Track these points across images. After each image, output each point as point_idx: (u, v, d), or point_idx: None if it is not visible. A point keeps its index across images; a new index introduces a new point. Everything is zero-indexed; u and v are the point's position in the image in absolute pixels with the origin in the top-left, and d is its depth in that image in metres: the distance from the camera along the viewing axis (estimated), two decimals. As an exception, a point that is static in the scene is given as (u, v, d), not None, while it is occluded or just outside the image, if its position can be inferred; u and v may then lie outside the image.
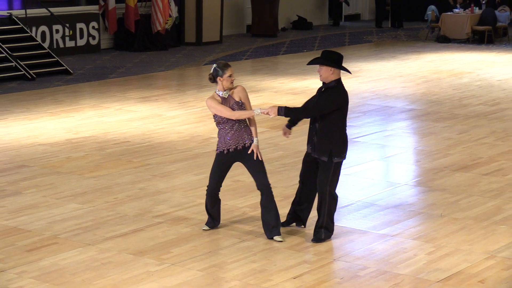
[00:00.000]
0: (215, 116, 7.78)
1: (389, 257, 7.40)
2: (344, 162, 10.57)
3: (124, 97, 14.78)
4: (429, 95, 14.99)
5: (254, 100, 14.58)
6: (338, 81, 7.81)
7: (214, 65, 7.67)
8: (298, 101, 14.43)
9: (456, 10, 23.33)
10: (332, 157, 7.69)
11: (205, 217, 8.28)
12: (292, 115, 7.81)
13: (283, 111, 7.62)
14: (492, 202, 8.94)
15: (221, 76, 7.63)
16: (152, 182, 9.61)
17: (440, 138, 11.82)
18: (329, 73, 7.79)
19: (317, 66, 7.95)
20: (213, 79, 7.67)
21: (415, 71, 17.80)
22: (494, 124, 12.73)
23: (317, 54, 20.62)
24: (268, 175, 9.85)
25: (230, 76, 7.65)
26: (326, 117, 7.65)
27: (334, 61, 7.80)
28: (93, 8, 20.73)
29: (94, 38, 20.41)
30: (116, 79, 16.81)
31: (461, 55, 20.63)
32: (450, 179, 9.74)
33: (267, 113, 7.61)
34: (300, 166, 10.25)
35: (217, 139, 7.89)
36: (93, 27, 20.37)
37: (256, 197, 9.03)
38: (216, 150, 7.88)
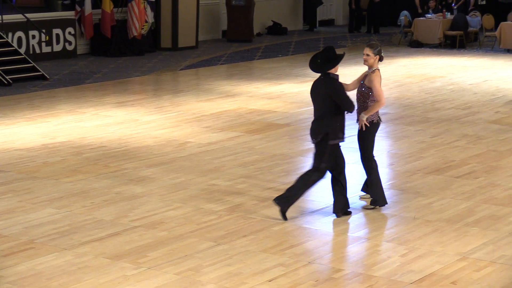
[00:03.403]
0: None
1: (363, 260, 7.50)
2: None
3: (100, 102, 14.81)
4: (402, 99, 15.14)
5: (230, 104, 14.67)
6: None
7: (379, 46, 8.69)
8: (273, 106, 14.53)
9: (428, 16, 23.53)
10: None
11: (180, 221, 8.36)
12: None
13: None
14: (464, 204, 9.07)
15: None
16: (128, 187, 9.66)
17: (413, 141, 11.96)
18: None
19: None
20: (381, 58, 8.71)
21: (388, 76, 17.94)
22: (466, 128, 12.89)
23: (293, 58, 20.84)
24: (244, 179, 9.97)
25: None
26: None
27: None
28: (69, 14, 20.73)
29: (70, 43, 20.41)
30: (93, 84, 16.83)
31: (434, 60, 20.83)
32: (423, 182, 9.87)
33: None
34: (275, 169, 10.37)
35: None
36: (70, 33, 20.36)
37: (231, 201, 9.12)
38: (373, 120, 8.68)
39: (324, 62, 8.53)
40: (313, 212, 8.82)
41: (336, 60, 8.48)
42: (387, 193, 9.43)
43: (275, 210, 8.67)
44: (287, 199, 8.45)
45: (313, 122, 8.60)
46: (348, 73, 18.39)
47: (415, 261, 7.39)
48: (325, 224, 8.43)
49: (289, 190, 8.51)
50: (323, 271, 7.18)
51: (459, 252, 7.62)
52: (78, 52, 20.68)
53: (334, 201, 8.59)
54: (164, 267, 7.23)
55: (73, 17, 20.61)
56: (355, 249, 7.74)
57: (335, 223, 8.46)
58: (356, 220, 8.59)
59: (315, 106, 8.67)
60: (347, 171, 8.72)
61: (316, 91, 8.60)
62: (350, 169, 10.55)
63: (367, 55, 8.75)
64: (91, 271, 7.14)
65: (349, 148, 11.58)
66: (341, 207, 8.58)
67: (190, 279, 6.97)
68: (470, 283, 6.92)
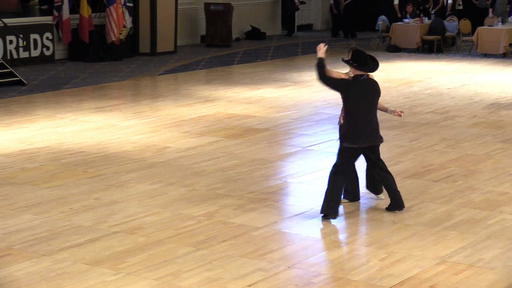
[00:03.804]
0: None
1: (342, 264, 7.52)
2: (297, 170, 10.75)
3: (78, 108, 14.76)
4: (380, 103, 15.18)
5: (209, 109, 14.67)
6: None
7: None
8: (252, 111, 14.55)
9: (406, 20, 23.65)
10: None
11: (159, 226, 8.35)
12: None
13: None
14: (443, 208, 9.11)
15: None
16: (107, 192, 9.63)
17: (392, 145, 12.00)
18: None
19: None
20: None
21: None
22: (444, 132, 12.96)
23: (271, 63, 20.88)
24: (223, 184, 9.97)
25: None
26: None
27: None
28: (47, 19, 20.65)
29: (48, 48, 20.33)
30: (71, 90, 16.77)
31: (412, 64, 20.93)
32: (402, 186, 9.89)
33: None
34: (254, 174, 10.38)
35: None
36: (47, 38, 20.28)
37: (211, 205, 9.12)
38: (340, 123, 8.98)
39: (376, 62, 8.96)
40: (292, 216, 8.83)
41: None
42: (365, 197, 9.46)
43: (254, 215, 8.69)
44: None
45: (371, 123, 8.68)
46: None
47: (394, 265, 7.42)
48: (304, 228, 8.45)
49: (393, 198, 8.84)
50: (303, 276, 7.19)
51: (438, 256, 7.65)
52: (56, 57, 20.60)
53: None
54: (143, 272, 7.21)
55: (51, 22, 20.53)
56: (334, 254, 7.76)
57: (314, 228, 8.47)
58: (335, 224, 8.61)
59: (368, 107, 8.70)
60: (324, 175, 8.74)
61: (372, 91, 8.74)
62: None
63: None
64: (70, 277, 7.11)
65: (330, 152, 11.62)
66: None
67: (169, 285, 6.96)
68: (449, 287, 6.95)
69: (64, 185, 9.92)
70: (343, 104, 8.79)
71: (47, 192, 9.63)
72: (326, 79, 8.60)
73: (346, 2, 26.61)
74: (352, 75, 8.78)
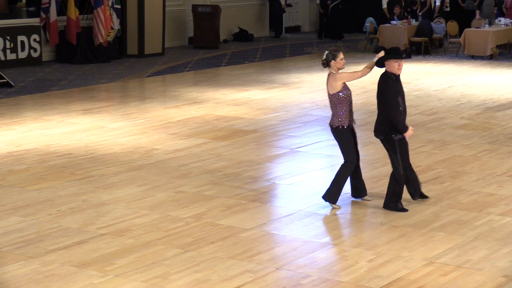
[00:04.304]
0: (334, 96, 8.95)
1: (331, 265, 7.53)
2: (286, 171, 10.76)
3: (66, 110, 14.73)
4: (368, 105, 15.21)
5: (197, 111, 14.66)
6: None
7: (327, 52, 8.98)
8: (240, 112, 14.55)
9: (394, 22, 23.71)
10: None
11: (148, 228, 8.34)
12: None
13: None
14: (431, 209, 9.14)
15: (335, 60, 8.91)
16: (95, 194, 9.62)
17: (380, 147, 11.94)
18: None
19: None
20: (327, 63, 8.97)
21: (354, 82, 17.95)
22: (432, 133, 12.99)
23: (259, 65, 20.90)
24: (211, 185, 9.98)
25: (342, 59, 9.00)
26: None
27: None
28: (34, 21, 20.58)
29: (35, 50, 20.27)
30: (58, 92, 16.74)
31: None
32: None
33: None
34: (242, 176, 10.38)
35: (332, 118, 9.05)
36: (35, 40, 20.22)
37: (198, 207, 9.12)
38: (339, 126, 9.03)
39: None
40: (281, 218, 8.84)
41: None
42: (354, 199, 9.48)
43: (242, 217, 8.70)
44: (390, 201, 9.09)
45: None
46: (314, 79, 18.47)
47: (383, 266, 7.43)
48: (292, 230, 8.45)
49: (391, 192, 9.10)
50: (291, 277, 7.20)
51: (426, 257, 7.67)
52: (44, 59, 20.55)
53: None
54: (131, 274, 7.20)
55: (38, 24, 20.47)
56: (322, 255, 7.77)
57: (302, 229, 8.48)
58: (323, 225, 8.62)
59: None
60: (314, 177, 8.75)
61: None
62: (316, 175, 10.60)
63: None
64: (57, 279, 7.09)
65: (318, 154, 11.64)
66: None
67: (157, 287, 6.95)
68: (437, 288, 6.98)
69: (51, 187, 9.90)
70: (382, 100, 9.00)
71: (34, 194, 9.60)
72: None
73: (333, 4, 26.65)
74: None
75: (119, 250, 7.79)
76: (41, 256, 7.63)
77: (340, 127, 9.10)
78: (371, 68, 9.17)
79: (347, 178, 9.19)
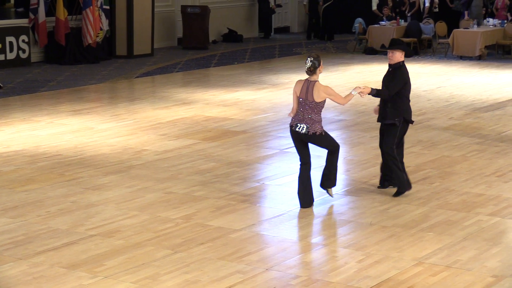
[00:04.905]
0: (320, 104, 9.05)
1: (320, 266, 7.54)
2: (275, 172, 10.77)
3: (55, 111, 14.70)
4: (357, 105, 15.23)
5: (186, 112, 14.65)
6: (403, 62, 9.60)
7: (311, 58, 8.88)
8: (229, 113, 14.55)
9: (383, 23, 23.75)
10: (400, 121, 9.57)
11: (137, 229, 8.34)
12: (380, 95, 9.59)
13: (374, 92, 9.44)
14: (420, 210, 9.16)
15: (319, 66, 8.90)
16: (84, 195, 9.60)
17: (369, 147, 12.04)
18: (400, 56, 9.51)
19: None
20: (314, 70, 8.90)
21: (343, 82, 18.07)
22: (421, 134, 13.02)
23: (248, 66, 20.91)
24: (200, 186, 9.97)
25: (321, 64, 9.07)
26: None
27: (404, 45, 9.64)
28: (22, 22, 20.53)
29: (24, 51, 20.22)
30: (47, 93, 16.70)
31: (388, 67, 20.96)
32: (379, 188, 9.94)
33: (360, 93, 9.30)
34: (232, 177, 10.38)
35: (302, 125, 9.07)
36: (23, 41, 20.17)
37: (188, 208, 9.11)
38: (322, 133, 9.18)
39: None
40: (270, 219, 8.85)
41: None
42: (343, 199, 9.50)
43: (232, 218, 8.70)
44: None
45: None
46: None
47: (372, 267, 7.45)
48: (282, 230, 8.46)
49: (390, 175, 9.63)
50: (281, 278, 7.20)
51: (415, 257, 7.69)
52: (32, 60, 20.50)
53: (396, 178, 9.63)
54: (121, 275, 7.19)
55: (26, 25, 20.42)
56: (312, 256, 7.78)
57: (292, 230, 8.49)
58: (313, 226, 8.63)
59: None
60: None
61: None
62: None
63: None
64: (47, 281, 7.08)
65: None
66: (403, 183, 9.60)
67: (147, 288, 6.95)
68: (426, 288, 7.00)
69: (40, 188, 9.87)
70: (394, 92, 9.46)
71: (23, 195, 9.58)
72: (395, 87, 9.51)
73: (325, 5, 26.67)
74: (397, 62, 9.52)
75: (109, 251, 7.77)
76: (30, 257, 7.61)
77: (324, 133, 9.15)
78: (349, 100, 9.25)
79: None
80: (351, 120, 13.91)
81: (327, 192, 9.32)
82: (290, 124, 9.15)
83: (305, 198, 9.11)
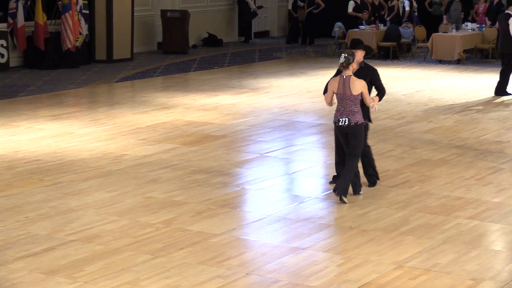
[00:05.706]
0: (357, 96, 9.42)
1: (300, 270, 7.54)
2: (255, 176, 10.77)
3: (34, 115, 14.64)
4: (338, 110, 15.28)
5: (166, 116, 14.63)
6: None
7: (345, 54, 9.30)
8: (209, 117, 14.54)
9: (362, 27, 23.82)
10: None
11: (117, 235, 8.31)
12: (382, 98, 10.18)
13: (381, 99, 10.08)
14: (399, 213, 9.19)
15: (352, 62, 9.33)
16: (64, 200, 9.56)
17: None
18: (362, 55, 9.81)
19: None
20: (348, 66, 9.33)
21: (323, 87, 18.05)
22: (400, 138, 13.07)
23: (228, 70, 20.91)
24: (180, 191, 9.96)
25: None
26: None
27: (364, 44, 9.95)
28: (1, 26, 20.42)
29: (2, 56, 20.12)
30: (26, 97, 16.62)
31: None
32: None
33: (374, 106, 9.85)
34: (212, 181, 10.37)
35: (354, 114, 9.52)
36: (2, 45, 20.06)
37: (168, 213, 9.10)
38: (364, 122, 9.63)
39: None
40: (250, 223, 8.85)
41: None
42: (323, 204, 9.52)
43: (212, 222, 8.69)
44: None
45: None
46: (283, 84, 18.51)
47: (352, 271, 7.46)
48: (262, 235, 8.46)
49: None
50: (261, 282, 7.20)
51: (395, 261, 7.71)
52: (11, 64, 20.40)
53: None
54: (100, 281, 7.17)
55: (5, 29, 20.32)
56: (292, 260, 7.78)
57: (272, 234, 8.49)
58: (293, 230, 8.64)
59: None
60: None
61: None
62: (286, 180, 10.60)
63: None
64: (26, 287, 7.04)
65: (287, 159, 11.63)
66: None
67: (127, 293, 6.93)
68: (406, 291, 7.02)
69: (19, 193, 9.83)
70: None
71: (2, 201, 9.53)
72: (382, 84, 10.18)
73: (309, 9, 26.71)
74: (359, 62, 9.72)
75: (88, 257, 7.75)
76: (9, 263, 7.57)
77: (365, 124, 9.70)
78: (370, 103, 9.71)
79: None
80: (330, 124, 13.90)
81: (341, 199, 9.50)
82: (333, 121, 9.76)
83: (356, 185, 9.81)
